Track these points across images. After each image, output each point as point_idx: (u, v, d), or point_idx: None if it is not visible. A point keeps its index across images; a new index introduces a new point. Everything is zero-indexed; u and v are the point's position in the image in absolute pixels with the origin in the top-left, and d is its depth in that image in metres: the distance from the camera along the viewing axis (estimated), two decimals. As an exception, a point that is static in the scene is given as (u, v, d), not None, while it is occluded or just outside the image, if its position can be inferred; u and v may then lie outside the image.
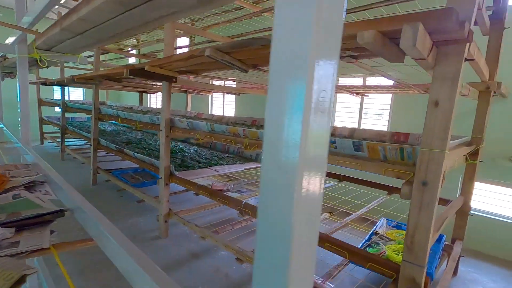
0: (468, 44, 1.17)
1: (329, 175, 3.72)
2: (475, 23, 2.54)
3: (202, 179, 4.28)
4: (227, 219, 3.50)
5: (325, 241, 1.77)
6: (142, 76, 2.70)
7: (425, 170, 1.27)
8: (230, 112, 6.72)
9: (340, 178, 3.65)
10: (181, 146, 5.18)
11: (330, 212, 3.59)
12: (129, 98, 10.83)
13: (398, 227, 3.04)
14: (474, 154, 2.65)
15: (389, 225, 3.09)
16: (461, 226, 2.78)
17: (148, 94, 9.81)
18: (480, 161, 2.67)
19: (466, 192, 2.73)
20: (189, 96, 6.25)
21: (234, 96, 6.55)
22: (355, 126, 4.42)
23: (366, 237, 2.78)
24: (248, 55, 1.84)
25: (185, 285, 2.41)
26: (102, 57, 7.90)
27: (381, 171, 1.50)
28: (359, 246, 2.58)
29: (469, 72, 2.36)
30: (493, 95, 2.58)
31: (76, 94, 10.56)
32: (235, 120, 4.30)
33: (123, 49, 7.00)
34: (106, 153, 5.73)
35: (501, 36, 2.50)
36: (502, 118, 3.16)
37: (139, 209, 3.91)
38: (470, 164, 2.68)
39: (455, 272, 2.84)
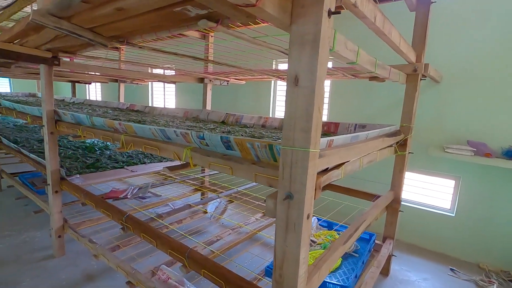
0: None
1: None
2: (399, -4, 2.25)
3: (114, 182, 3.73)
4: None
5: (202, 266, 1.37)
6: None
7: (289, 177, 0.89)
8: (171, 102, 6.13)
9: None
10: (108, 143, 4.54)
11: (263, 212, 3.25)
12: (68, 89, 9.71)
13: (330, 227, 2.75)
14: (403, 145, 2.40)
15: (321, 225, 2.80)
16: (392, 223, 2.55)
17: (86, 85, 8.84)
18: (409, 152, 2.43)
19: (396, 186, 2.49)
20: (122, 85, 5.57)
21: (174, 85, 5.97)
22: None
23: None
24: (94, 21, 1.35)
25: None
26: None
27: (251, 176, 1.10)
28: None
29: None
30: (421, 79, 2.33)
31: (2, 84, 9.25)
32: (167, 112, 3.83)
33: None
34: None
35: (428, 11, 2.22)
36: (435, 105, 2.97)
37: (39, 221, 3.28)
38: (400, 155, 2.44)
39: (387, 273, 2.63)
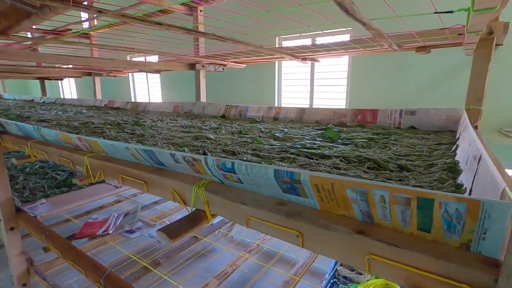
0: None
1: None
2: None
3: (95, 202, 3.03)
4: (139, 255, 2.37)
5: None
6: None
7: None
8: (157, 96, 5.40)
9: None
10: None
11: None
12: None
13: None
14: (469, 133, 1.83)
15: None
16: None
17: (59, 82, 7.91)
18: (478, 143, 1.87)
19: (460, 187, 1.93)
20: (97, 79, 4.79)
21: (158, 75, 5.22)
22: (307, 101, 3.48)
23: (330, 270, 1.89)
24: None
25: None
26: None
27: (358, 260, 0.49)
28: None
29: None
30: (496, 44, 1.74)
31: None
32: (153, 107, 3.17)
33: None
34: None
35: None
36: (491, 77, 2.39)
37: (2, 257, 2.62)
38: (464, 147, 1.87)
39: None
